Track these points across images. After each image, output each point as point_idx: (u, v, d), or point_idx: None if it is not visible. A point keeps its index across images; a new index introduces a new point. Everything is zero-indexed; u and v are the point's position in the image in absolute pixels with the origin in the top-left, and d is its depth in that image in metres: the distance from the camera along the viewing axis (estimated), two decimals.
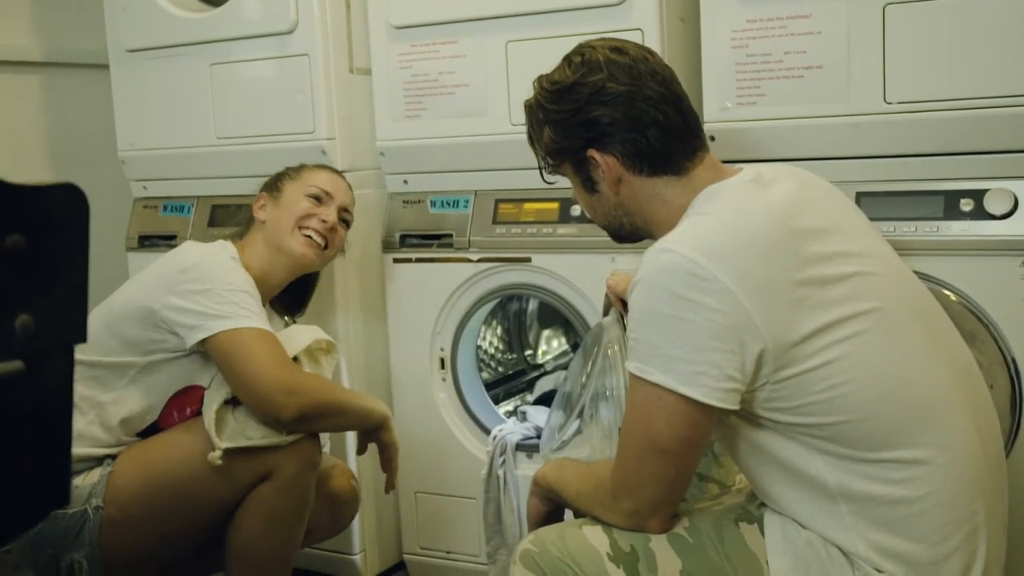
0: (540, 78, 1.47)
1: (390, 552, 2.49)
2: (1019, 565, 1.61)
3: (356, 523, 2.32)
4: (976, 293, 1.74)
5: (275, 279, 2.02)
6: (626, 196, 1.43)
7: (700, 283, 1.22)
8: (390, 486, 2.02)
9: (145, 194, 2.62)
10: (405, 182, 2.32)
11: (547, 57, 1.48)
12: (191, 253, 1.89)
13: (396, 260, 2.33)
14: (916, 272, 1.47)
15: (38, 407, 0.78)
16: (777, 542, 1.32)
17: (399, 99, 2.25)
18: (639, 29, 1.95)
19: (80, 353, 0.80)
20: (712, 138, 1.85)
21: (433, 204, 2.29)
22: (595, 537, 1.35)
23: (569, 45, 1.47)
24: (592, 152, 1.41)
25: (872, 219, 1.51)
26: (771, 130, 1.87)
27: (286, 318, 2.18)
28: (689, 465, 1.31)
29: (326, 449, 2.10)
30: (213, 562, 1.95)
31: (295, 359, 1.92)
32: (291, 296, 2.16)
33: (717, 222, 1.30)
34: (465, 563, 2.37)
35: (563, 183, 1.55)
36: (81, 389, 1.82)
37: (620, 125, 1.38)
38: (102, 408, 1.86)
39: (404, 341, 2.36)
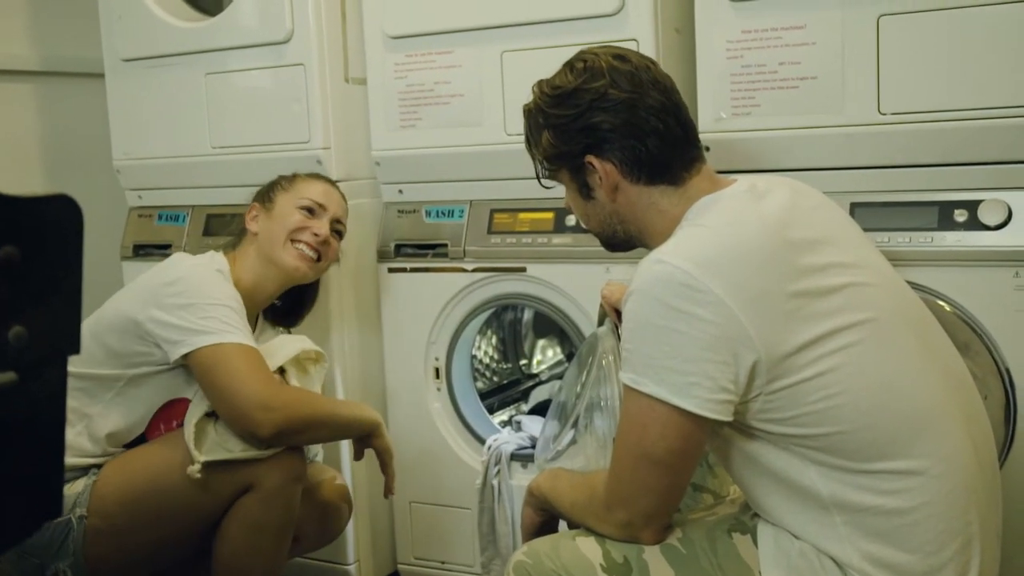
0: (541, 82, 1.46)
1: (385, 562, 2.49)
2: None
3: (350, 533, 2.31)
4: (970, 303, 1.74)
5: (267, 290, 2.02)
6: (622, 204, 1.43)
7: (694, 294, 1.22)
8: (388, 491, 2.02)
9: (140, 203, 2.62)
10: (400, 192, 2.32)
11: (543, 67, 1.48)
12: (178, 266, 1.88)
13: (391, 270, 2.33)
14: (910, 282, 1.47)
15: (31, 418, 0.78)
16: (770, 552, 1.32)
17: (394, 109, 2.25)
18: (634, 40, 1.95)
19: (69, 364, 0.80)
20: (707, 148, 1.85)
21: (428, 214, 2.29)
22: (588, 548, 1.35)
23: (565, 55, 1.47)
24: (590, 158, 1.41)
25: (866, 229, 1.51)
26: (766, 140, 1.88)
27: (280, 329, 2.17)
28: (683, 476, 1.30)
29: (319, 459, 2.09)
30: (201, 572, 1.95)
31: (282, 369, 1.91)
32: (286, 307, 2.16)
33: (711, 233, 1.30)
34: (459, 573, 2.36)
35: (558, 192, 1.55)
36: (69, 401, 1.81)
37: (620, 132, 1.38)
38: (90, 420, 1.85)
39: (399, 351, 2.36)
